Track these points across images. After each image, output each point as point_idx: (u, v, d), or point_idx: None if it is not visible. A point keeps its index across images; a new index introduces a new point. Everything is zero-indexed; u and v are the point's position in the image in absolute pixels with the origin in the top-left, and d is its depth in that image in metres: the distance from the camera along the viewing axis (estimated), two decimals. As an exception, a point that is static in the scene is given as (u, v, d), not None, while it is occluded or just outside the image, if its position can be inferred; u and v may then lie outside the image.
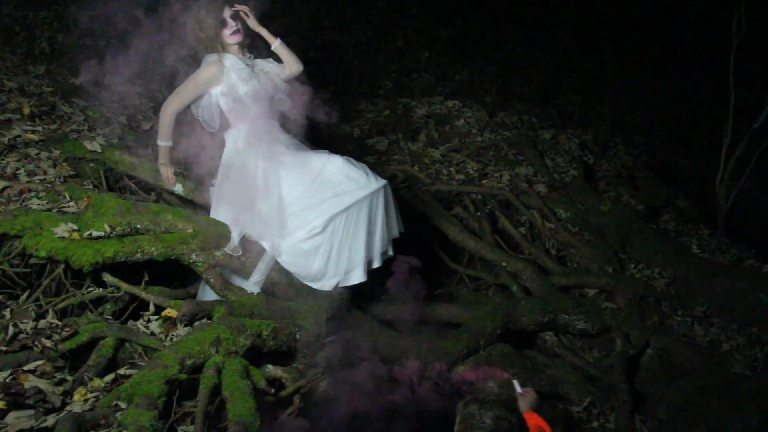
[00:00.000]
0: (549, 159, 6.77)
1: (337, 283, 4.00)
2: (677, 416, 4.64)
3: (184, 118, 4.14)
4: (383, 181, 4.05)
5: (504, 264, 5.33)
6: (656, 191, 7.13)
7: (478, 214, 5.76)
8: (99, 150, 4.31)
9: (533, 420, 2.87)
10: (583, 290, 5.45)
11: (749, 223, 7.67)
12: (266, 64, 4.21)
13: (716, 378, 4.78)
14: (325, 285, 4.00)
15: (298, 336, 3.67)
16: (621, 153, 7.73)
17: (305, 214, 3.91)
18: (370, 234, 4.00)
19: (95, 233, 3.69)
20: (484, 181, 6.11)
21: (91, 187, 4.15)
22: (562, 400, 4.73)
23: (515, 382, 3.27)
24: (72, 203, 3.82)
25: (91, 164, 4.29)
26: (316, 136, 5.43)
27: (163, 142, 4.15)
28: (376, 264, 4.13)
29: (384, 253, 4.18)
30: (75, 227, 3.63)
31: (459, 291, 5.30)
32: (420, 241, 5.01)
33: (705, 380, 4.79)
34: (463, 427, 2.32)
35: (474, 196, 5.90)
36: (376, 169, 4.24)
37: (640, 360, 5.04)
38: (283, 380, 3.52)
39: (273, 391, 3.33)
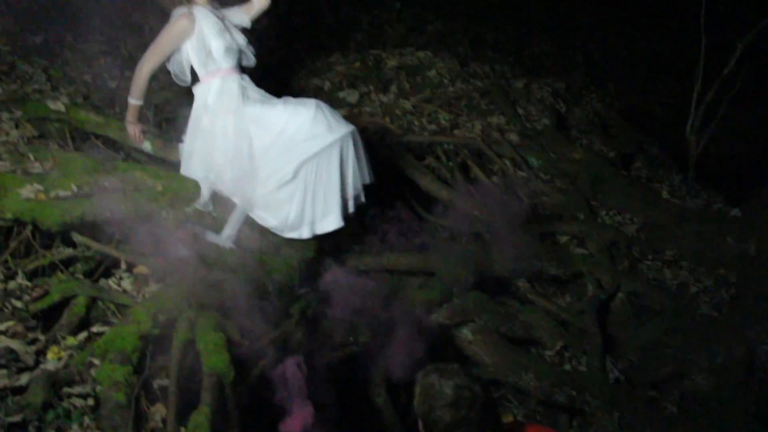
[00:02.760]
0: (521, 108, 6.77)
1: (314, 230, 4.02)
2: (646, 357, 4.76)
3: (155, 74, 4.09)
4: (352, 127, 4.04)
5: (476, 213, 5.36)
6: (628, 138, 7.17)
7: (450, 164, 5.77)
8: (63, 110, 4.24)
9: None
10: (555, 237, 5.51)
11: (719, 168, 7.76)
12: (234, 15, 4.15)
13: (684, 319, 4.90)
14: (303, 233, 4.01)
15: (271, 288, 3.69)
16: (593, 101, 7.74)
17: (275, 163, 3.90)
18: (343, 179, 4.01)
19: (62, 193, 3.66)
20: (456, 131, 6.10)
21: (56, 147, 4.10)
22: (535, 344, 4.83)
23: None
24: (37, 164, 3.78)
25: (56, 124, 4.22)
26: (287, 90, 5.39)
27: (134, 101, 4.09)
28: (350, 209, 4.14)
29: (357, 198, 4.19)
30: (41, 188, 3.60)
31: (432, 240, 5.33)
32: (393, 191, 5.02)
33: (673, 322, 4.91)
34: (423, 399, 2.23)
35: (446, 146, 5.90)
36: (347, 120, 4.21)
37: (611, 304, 5.13)
38: (257, 332, 3.54)
39: (247, 343, 3.36)
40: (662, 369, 4.66)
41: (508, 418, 4.53)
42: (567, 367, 4.63)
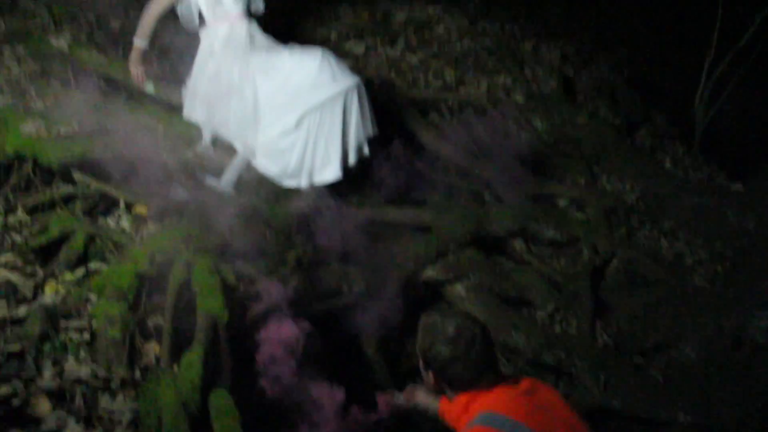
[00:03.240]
0: (528, 69, 6.70)
1: (312, 180, 4.03)
2: (636, 324, 4.79)
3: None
4: (357, 78, 4.03)
5: (477, 171, 5.37)
6: (635, 106, 7.11)
7: (454, 121, 5.75)
8: (66, 47, 4.21)
9: None
10: (554, 200, 5.51)
11: (724, 142, 7.72)
12: None
13: (677, 290, 4.92)
14: (302, 182, 4.03)
15: (268, 235, 3.71)
16: (602, 67, 7.65)
17: (278, 111, 3.90)
18: (344, 131, 4.01)
19: (63, 131, 3.66)
20: (461, 89, 6.06)
21: (58, 85, 4.09)
22: (527, 305, 4.86)
23: None
24: (39, 100, 3.77)
25: (58, 62, 4.19)
26: (293, 38, 5.34)
27: (139, 42, 4.08)
28: (351, 161, 4.15)
29: (359, 150, 4.19)
30: (42, 124, 3.61)
31: (432, 196, 5.34)
32: (395, 145, 5.01)
33: (666, 292, 4.93)
34: (424, 336, 2.29)
35: (451, 103, 5.87)
36: (353, 72, 4.19)
37: (605, 270, 5.15)
38: (253, 277, 3.58)
39: (242, 287, 3.40)
40: (651, 337, 4.70)
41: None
42: (557, 329, 4.67)
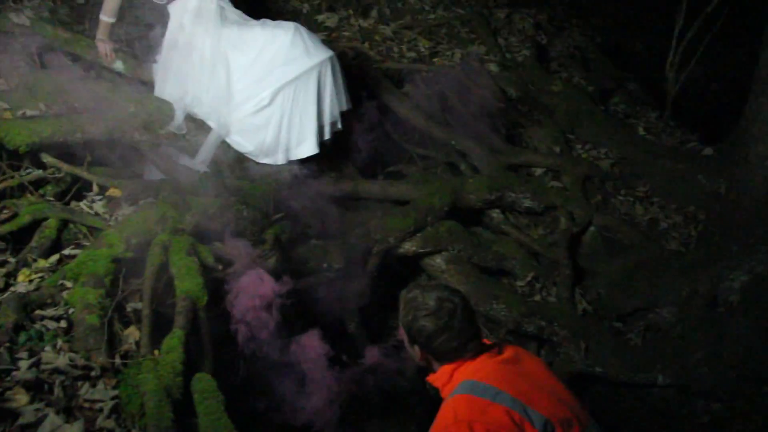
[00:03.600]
0: (502, 38, 6.68)
1: (288, 156, 3.99)
2: (614, 290, 4.85)
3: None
4: (331, 52, 3.98)
5: (453, 142, 5.35)
6: (608, 73, 7.13)
7: (428, 92, 5.71)
8: (27, 24, 4.08)
9: None
10: (530, 169, 5.52)
11: (696, 107, 7.77)
12: None
13: (652, 254, 4.98)
14: (278, 158, 3.99)
15: (245, 213, 3.67)
16: (575, 34, 7.64)
17: (252, 87, 3.84)
18: (319, 105, 3.96)
19: (29, 112, 3.58)
20: (435, 59, 6.02)
21: (23, 64, 3.97)
22: (507, 275, 4.89)
23: None
24: (2, 80, 3.66)
25: (21, 40, 4.06)
26: (265, 12, 5.25)
27: (107, 18, 3.98)
28: (327, 136, 4.11)
29: (333, 125, 4.15)
30: (6, 106, 3.51)
31: (408, 169, 5.32)
32: (370, 119, 4.97)
33: (642, 256, 4.98)
34: (406, 312, 2.31)
35: (425, 74, 5.83)
36: (326, 45, 4.13)
37: (582, 237, 5.19)
38: (231, 257, 3.54)
39: (221, 267, 3.36)
40: (629, 302, 4.77)
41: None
42: (537, 297, 4.72)
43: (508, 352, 2.36)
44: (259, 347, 3.32)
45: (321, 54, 3.91)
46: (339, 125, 4.20)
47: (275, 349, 3.41)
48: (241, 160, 3.99)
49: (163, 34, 4.04)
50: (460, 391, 2.19)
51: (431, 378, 2.38)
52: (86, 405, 2.47)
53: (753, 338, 4.26)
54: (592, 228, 5.21)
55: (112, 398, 2.52)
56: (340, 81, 4.09)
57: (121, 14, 4.04)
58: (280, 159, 3.98)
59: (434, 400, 2.35)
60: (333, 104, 4.05)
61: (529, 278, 4.79)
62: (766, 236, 4.45)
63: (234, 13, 4.04)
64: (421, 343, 2.30)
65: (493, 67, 6.17)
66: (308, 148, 4.00)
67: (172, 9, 3.97)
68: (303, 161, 4.10)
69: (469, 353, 2.28)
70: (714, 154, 5.78)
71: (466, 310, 2.29)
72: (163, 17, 4.04)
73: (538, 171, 5.51)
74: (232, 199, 3.67)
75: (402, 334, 2.38)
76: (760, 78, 4.57)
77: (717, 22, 6.90)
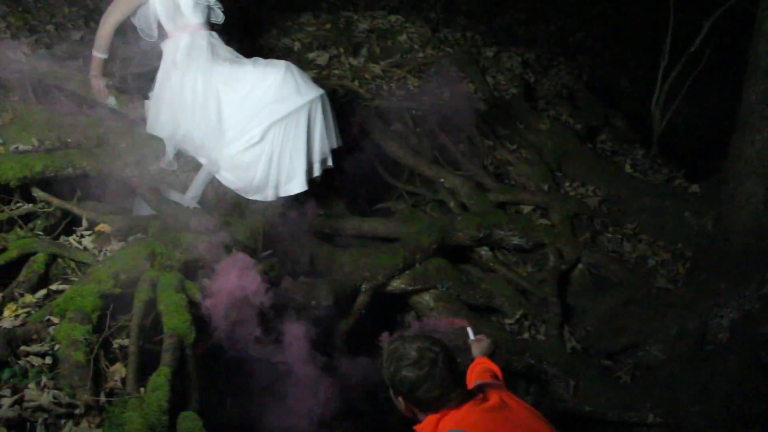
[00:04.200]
0: (490, 77, 6.76)
1: (278, 193, 4.00)
2: (603, 327, 4.85)
3: (122, 28, 4.01)
4: (321, 91, 4.03)
5: (442, 180, 5.39)
6: (595, 111, 7.22)
7: (418, 130, 5.76)
8: (23, 60, 4.12)
9: (483, 364, 2.94)
10: (518, 207, 5.55)
11: (681, 144, 7.87)
12: None
13: (641, 292, 5.00)
14: (268, 195, 4.00)
15: (234, 250, 3.67)
16: (562, 72, 7.76)
17: (243, 124, 3.87)
18: (309, 143, 3.99)
19: (22, 147, 3.58)
20: (424, 98, 6.08)
21: (16, 99, 4.00)
22: (496, 312, 4.89)
23: (469, 330, 3.30)
24: (-4, 115, 3.68)
25: (16, 75, 4.09)
26: (256, 49, 5.31)
27: (99, 54, 4.02)
28: (316, 173, 4.13)
29: (323, 162, 4.18)
30: (0, 141, 3.52)
31: (397, 206, 5.35)
32: (359, 156, 5.01)
33: (630, 294, 5.01)
34: (389, 363, 2.34)
35: (414, 112, 5.88)
36: (317, 83, 4.18)
37: (571, 274, 5.22)
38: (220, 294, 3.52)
39: (209, 304, 3.34)
40: (618, 339, 4.77)
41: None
42: (526, 335, 4.71)
43: (493, 398, 2.38)
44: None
45: (311, 92, 3.95)
46: (329, 162, 4.22)
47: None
48: (230, 196, 3.99)
49: (155, 71, 4.08)
50: None
51: (418, 428, 2.38)
52: (70, 444, 2.44)
53: (743, 376, 4.25)
54: (580, 265, 5.23)
55: (97, 437, 2.49)
56: (330, 119, 4.12)
57: (115, 51, 4.07)
58: (269, 195, 3.99)
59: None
60: (323, 142, 4.08)
61: (517, 316, 4.79)
62: (753, 273, 4.46)
63: (225, 50, 4.09)
64: (404, 393, 2.32)
65: (481, 105, 6.24)
66: (298, 185, 4.02)
67: (165, 46, 4.02)
68: (292, 198, 4.11)
69: (452, 402, 2.30)
70: (700, 191, 5.84)
71: (448, 359, 2.32)
72: (155, 54, 4.08)
73: (527, 208, 5.55)
74: (221, 236, 3.66)
75: (388, 387, 2.40)
76: (744, 116, 4.63)
77: (701, 60, 7.04)
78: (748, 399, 4.18)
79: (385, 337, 2.73)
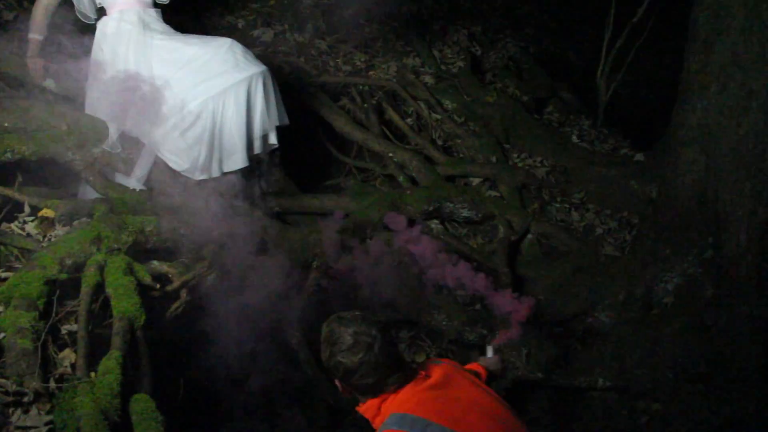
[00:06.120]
0: (437, 50, 6.77)
1: (222, 168, 3.97)
2: (554, 296, 4.94)
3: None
4: (262, 67, 3.98)
5: (391, 155, 5.40)
6: (542, 83, 7.26)
7: (365, 105, 5.75)
8: (-47, 43, 3.98)
9: (474, 367, 2.88)
10: (467, 179, 5.59)
11: (627, 114, 8.00)
12: None
13: (589, 260, 5.09)
14: (213, 172, 3.97)
15: (182, 231, 3.63)
16: (509, 45, 7.78)
17: (178, 100, 3.80)
18: (249, 119, 3.96)
19: (-43, 132, 3.47)
20: (371, 73, 6.07)
21: (-51, 83, 3.87)
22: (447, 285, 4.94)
23: (489, 348, 3.28)
24: (-73, 100, 3.56)
25: (-53, 58, 3.96)
26: (200, 27, 5.22)
27: (35, 35, 3.91)
28: (257, 149, 4.11)
29: (265, 139, 4.15)
30: (-67, 126, 3.41)
31: (347, 182, 5.35)
32: (308, 133, 4.99)
33: (579, 262, 5.09)
34: (325, 347, 2.28)
35: (361, 87, 5.87)
36: (262, 60, 4.13)
37: (521, 245, 5.28)
38: (169, 275, 3.50)
39: (158, 286, 3.32)
40: (568, 307, 4.86)
41: (420, 357, 4.66)
42: (477, 306, 4.76)
43: (436, 374, 2.34)
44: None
45: (251, 68, 3.91)
46: (273, 140, 4.19)
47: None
48: (177, 176, 3.94)
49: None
50: (389, 425, 2.17)
51: (361, 409, 2.35)
52: (19, 432, 2.40)
53: (688, 338, 4.40)
54: (530, 235, 5.30)
55: (46, 424, 2.45)
56: (273, 96, 4.08)
57: (51, 32, 3.96)
58: (214, 172, 3.96)
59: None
60: (263, 118, 4.04)
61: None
62: (696, 239, 4.59)
63: (160, 26, 4.01)
64: (340, 378, 2.29)
65: (428, 79, 6.25)
66: (238, 160, 3.99)
67: (98, 24, 3.95)
68: (241, 177, 4.08)
69: (392, 386, 2.25)
70: (645, 159, 5.94)
71: (385, 342, 2.25)
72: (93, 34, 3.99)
73: (476, 181, 5.59)
74: (169, 217, 3.62)
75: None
76: (685, 85, 4.73)
77: (644, 31, 7.14)
78: (692, 359, 4.32)
79: None
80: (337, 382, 2.34)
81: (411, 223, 4.64)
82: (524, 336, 4.46)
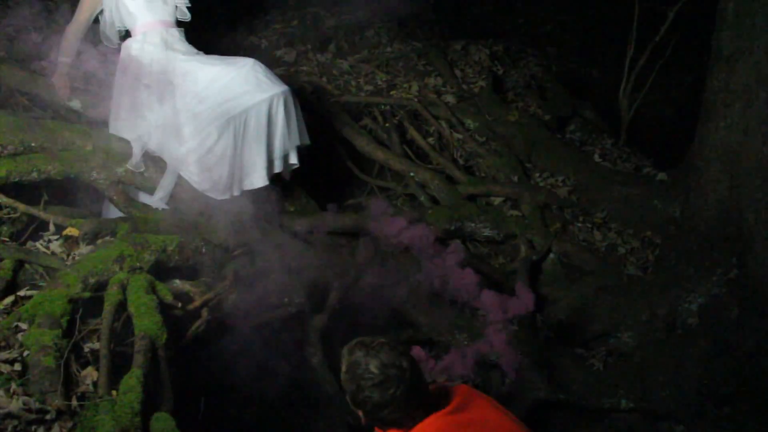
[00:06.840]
0: (458, 69, 6.79)
1: (242, 187, 4.00)
2: (576, 316, 4.90)
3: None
4: (284, 87, 4.02)
5: (412, 174, 5.41)
6: (564, 102, 7.25)
7: (387, 125, 5.78)
8: (-18, 64, 4.07)
9: None
10: (489, 198, 5.58)
11: (649, 132, 7.95)
12: None
13: (611, 279, 5.05)
14: (234, 191, 4.00)
15: (204, 250, 3.66)
16: (531, 64, 7.79)
17: (199, 120, 3.84)
18: (269, 138, 3.98)
19: (-15, 152, 3.54)
20: (392, 92, 6.10)
21: (-23, 103, 3.95)
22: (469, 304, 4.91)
23: None
24: (-43, 121, 3.63)
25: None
26: (223, 47, 5.27)
27: (64, 58, 4.01)
28: (277, 169, 4.13)
29: (286, 158, 4.17)
30: (-38, 146, 3.48)
31: (368, 201, 5.36)
32: (329, 152, 5.01)
33: (602, 282, 5.05)
34: (350, 378, 2.19)
35: (383, 107, 5.90)
36: (284, 80, 4.17)
37: (542, 264, 5.25)
38: (191, 294, 3.52)
39: (180, 305, 3.34)
40: (590, 327, 4.82)
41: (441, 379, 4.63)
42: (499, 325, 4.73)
43: (457, 398, 2.29)
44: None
45: (273, 89, 3.94)
46: (294, 160, 4.21)
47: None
48: (200, 195, 3.98)
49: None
50: None
51: None
52: (41, 450, 2.42)
53: (712, 359, 4.33)
54: (551, 255, 5.27)
55: (68, 441, 2.48)
56: (294, 116, 4.11)
57: (79, 54, 4.04)
58: (235, 191, 3.99)
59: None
60: (284, 138, 4.07)
61: (490, 307, 4.81)
62: (720, 258, 4.54)
63: (183, 47, 4.08)
64: (366, 412, 2.22)
65: (450, 98, 6.26)
66: (258, 179, 4.02)
67: (123, 46, 4.02)
68: (263, 196, 4.10)
69: (417, 419, 2.21)
70: (668, 179, 5.90)
71: (414, 375, 2.19)
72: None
73: (497, 200, 5.58)
74: (191, 236, 3.65)
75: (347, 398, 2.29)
76: (708, 103, 4.70)
77: (667, 49, 7.12)
78: (717, 381, 4.26)
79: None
80: (359, 413, 2.27)
81: (441, 242, 4.63)
82: (547, 356, 4.45)
